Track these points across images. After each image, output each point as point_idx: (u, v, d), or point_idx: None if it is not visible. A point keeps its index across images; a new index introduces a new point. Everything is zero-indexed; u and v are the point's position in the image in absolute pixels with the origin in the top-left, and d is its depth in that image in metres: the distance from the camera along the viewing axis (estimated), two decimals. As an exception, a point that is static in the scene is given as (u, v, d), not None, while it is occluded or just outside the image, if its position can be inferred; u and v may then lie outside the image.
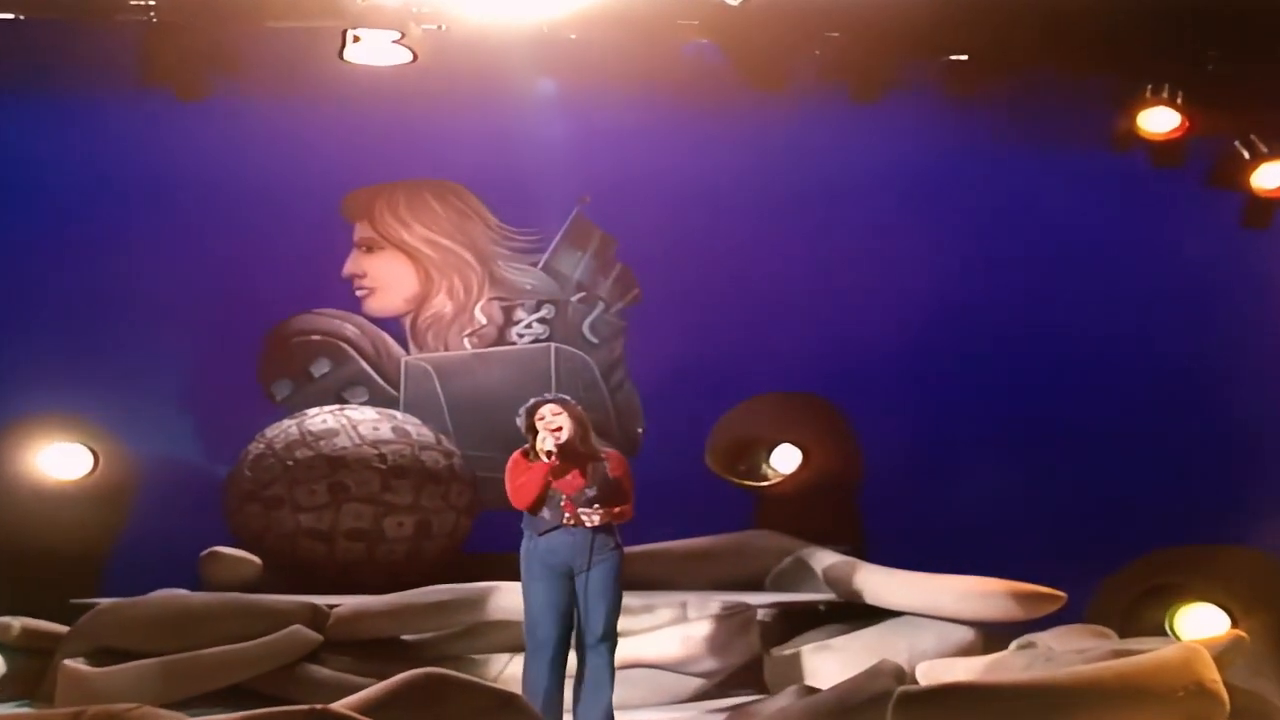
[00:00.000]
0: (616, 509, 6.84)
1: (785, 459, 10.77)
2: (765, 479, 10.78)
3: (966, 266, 10.63)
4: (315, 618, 8.21)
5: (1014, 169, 10.60)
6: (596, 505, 6.70)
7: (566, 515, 6.80)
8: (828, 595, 9.09)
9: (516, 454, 6.93)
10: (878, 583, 8.83)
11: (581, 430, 6.93)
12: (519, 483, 6.81)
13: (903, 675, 7.13)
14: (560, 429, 6.88)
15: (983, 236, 10.65)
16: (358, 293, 11.01)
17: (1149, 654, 7.02)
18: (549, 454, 6.79)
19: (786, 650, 8.51)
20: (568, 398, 7.03)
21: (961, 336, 10.56)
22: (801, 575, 9.59)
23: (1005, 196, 10.63)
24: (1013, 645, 8.28)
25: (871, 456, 10.72)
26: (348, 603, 8.35)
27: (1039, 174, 10.59)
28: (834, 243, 10.76)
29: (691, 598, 8.55)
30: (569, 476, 6.90)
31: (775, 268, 10.82)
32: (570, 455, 6.90)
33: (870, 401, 10.58)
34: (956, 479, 10.22)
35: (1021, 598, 8.45)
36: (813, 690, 7.17)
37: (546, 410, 6.95)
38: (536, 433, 6.93)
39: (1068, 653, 7.75)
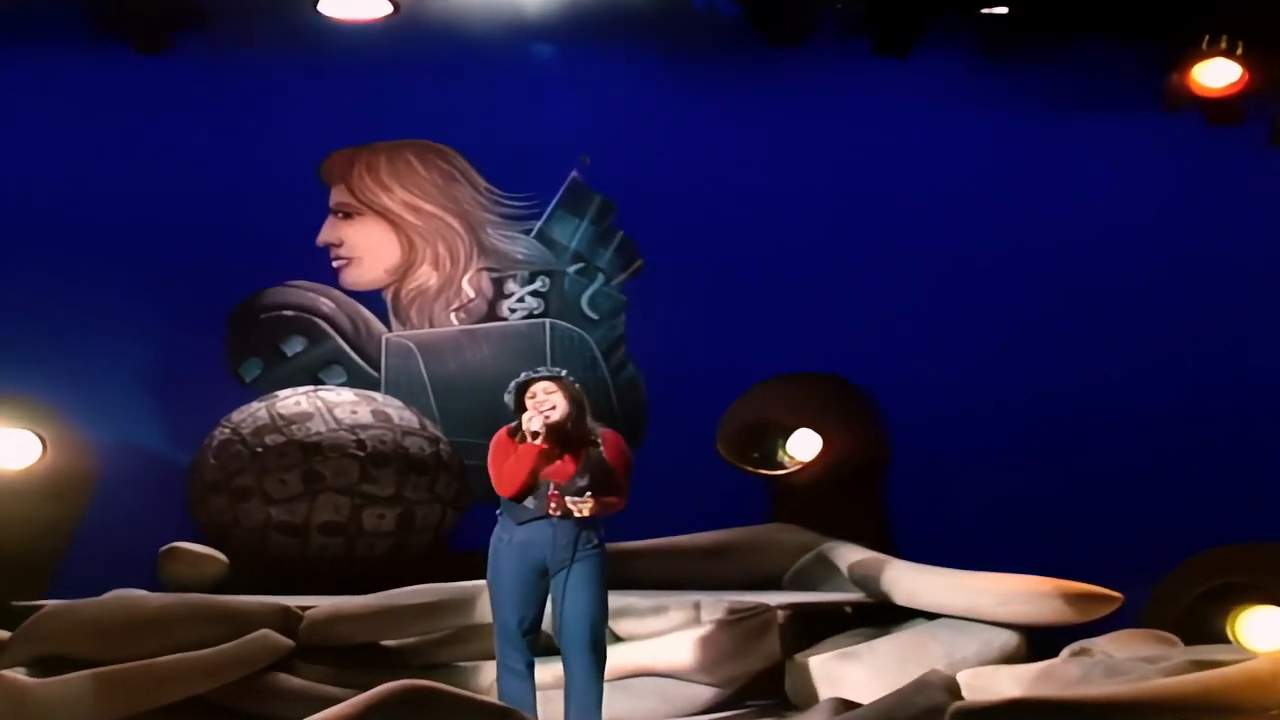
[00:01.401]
0: (610, 499, 6.61)
1: (804, 445, 10.61)
2: (782, 467, 10.64)
3: (1001, 237, 10.49)
4: (286, 621, 7.95)
5: (1053, 132, 10.50)
6: (588, 494, 6.45)
7: (552, 505, 6.52)
8: (854, 595, 8.86)
9: (501, 433, 6.65)
10: (910, 581, 8.54)
11: (577, 411, 6.64)
12: (505, 466, 6.52)
13: (955, 688, 6.84)
14: (554, 409, 6.59)
15: (1019, 205, 10.50)
16: (334, 263, 10.90)
17: (1236, 666, 6.69)
18: (534, 435, 6.48)
19: (810, 656, 8.25)
20: (563, 373, 6.74)
21: (996, 313, 10.44)
22: (823, 573, 9.38)
23: (1044, 162, 10.51)
24: (1065, 652, 8.05)
25: (898, 442, 10.56)
26: (322, 604, 8.10)
27: (1081, 137, 10.49)
28: (856, 211, 10.62)
29: (704, 598, 8.30)
30: (559, 463, 6.61)
31: (791, 237, 10.71)
32: (562, 439, 6.60)
33: (896, 382, 10.41)
34: (991, 468, 10.10)
35: (1073, 599, 8.16)
36: (849, 705, 6.86)
37: (539, 388, 6.65)
38: (525, 412, 6.67)
39: (1130, 661, 7.46)
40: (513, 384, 6.74)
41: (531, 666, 6.65)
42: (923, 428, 10.30)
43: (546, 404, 6.62)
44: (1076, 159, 10.47)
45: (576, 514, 6.37)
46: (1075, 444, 10.16)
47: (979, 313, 10.45)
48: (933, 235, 10.54)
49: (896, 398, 10.46)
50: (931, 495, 10.08)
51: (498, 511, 6.64)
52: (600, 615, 6.66)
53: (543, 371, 6.77)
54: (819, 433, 10.57)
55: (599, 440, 6.70)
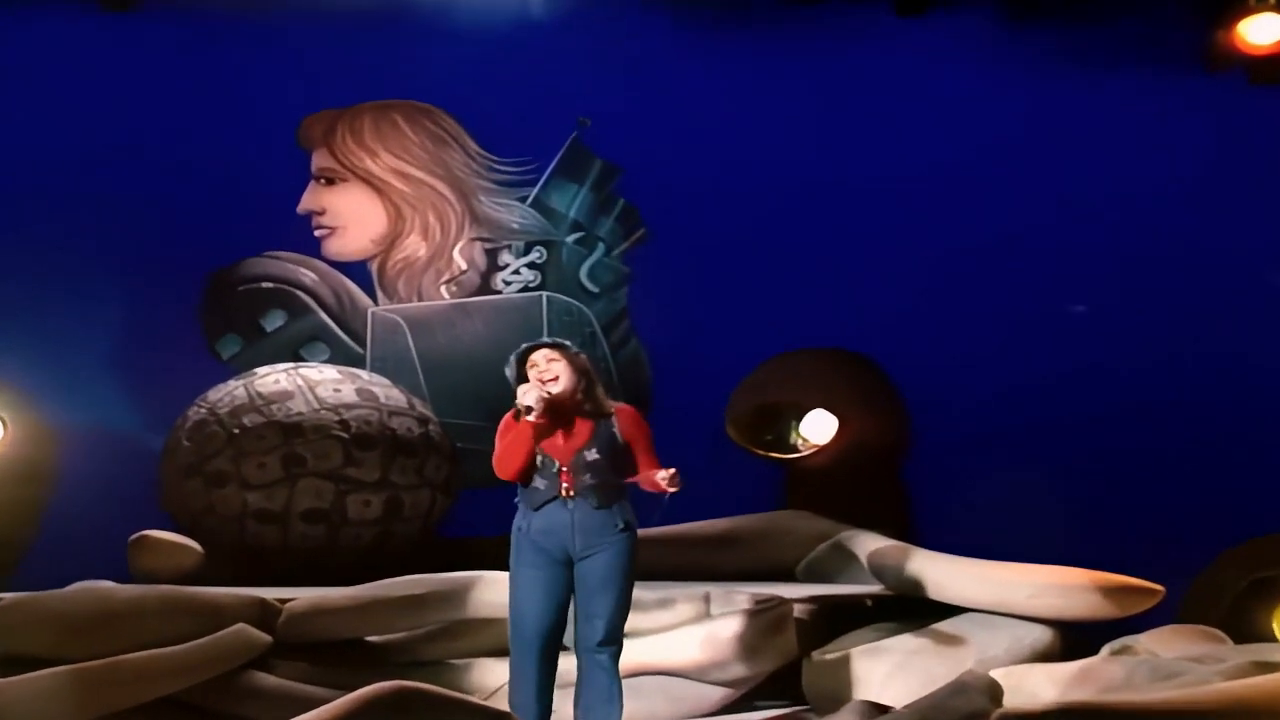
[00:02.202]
0: (660, 472, 6.40)
1: (819, 426, 10.55)
2: (795, 450, 10.61)
3: (1030, 206, 10.41)
4: (264, 615, 7.83)
5: (1085, 94, 10.45)
6: (671, 470, 6.31)
7: (564, 485, 6.33)
8: (874, 587, 8.72)
9: (510, 414, 6.45)
10: (936, 572, 8.39)
11: (584, 381, 6.45)
12: (501, 446, 6.36)
13: (997, 692, 6.63)
14: (555, 379, 6.39)
15: (1048, 173, 10.45)
16: (316, 233, 10.85)
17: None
18: (528, 409, 6.27)
19: (829, 654, 8.10)
20: (568, 343, 6.57)
21: (1025, 287, 10.38)
22: (841, 563, 9.28)
23: (1075, 127, 10.45)
24: (1105, 650, 7.92)
25: (919, 424, 10.50)
26: (303, 597, 7.98)
27: (1114, 99, 10.42)
28: (874, 176, 10.51)
29: (715, 590, 8.14)
30: (565, 438, 6.41)
31: (805, 206, 10.62)
32: (567, 411, 6.40)
33: (918, 360, 10.35)
34: (1019, 452, 9.99)
35: (1110, 591, 8.02)
36: (875, 707, 6.64)
37: (539, 356, 6.45)
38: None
39: (1179, 661, 7.26)
40: (513, 355, 6.55)
41: (551, 677, 6.47)
42: (945, 409, 10.22)
43: (549, 373, 6.42)
44: (1110, 123, 10.39)
45: (669, 490, 6.22)
46: (1108, 427, 10.07)
47: (1006, 286, 10.37)
48: (956, 204, 10.44)
49: (918, 377, 10.38)
50: (955, 481, 9.99)
51: (516, 500, 6.50)
52: (624, 609, 6.47)
53: (545, 340, 6.61)
54: (835, 413, 10.52)
55: (612, 414, 6.51)
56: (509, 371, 6.52)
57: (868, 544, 9.09)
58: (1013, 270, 10.37)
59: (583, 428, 6.42)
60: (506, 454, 6.33)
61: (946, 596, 8.37)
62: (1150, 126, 10.32)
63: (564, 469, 6.36)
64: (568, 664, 6.67)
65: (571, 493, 6.32)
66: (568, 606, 6.45)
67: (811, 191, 10.60)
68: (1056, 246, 10.38)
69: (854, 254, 10.55)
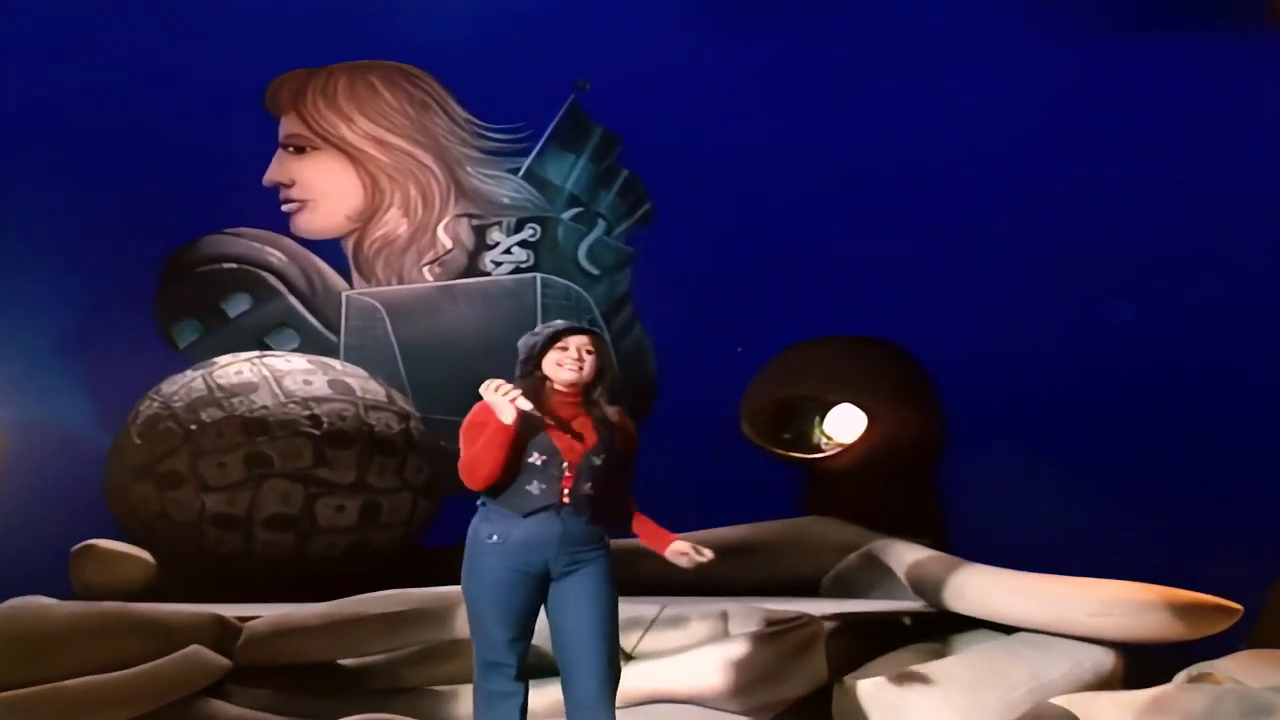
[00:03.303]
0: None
1: (845, 423, 10.56)
2: (819, 450, 10.62)
3: (1079, 180, 10.34)
4: (222, 635, 7.69)
5: (1140, 54, 10.36)
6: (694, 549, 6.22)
7: (565, 492, 6.04)
8: (913, 603, 8.66)
9: (478, 406, 6.13)
10: (982, 587, 8.28)
11: (602, 378, 6.27)
12: (477, 448, 6.02)
13: None
14: (584, 369, 6.17)
15: (1099, 144, 10.36)
16: (284, 207, 10.80)
17: None
18: (572, 385, 6.09)
19: (864, 679, 7.86)
20: (603, 332, 6.81)
21: (1072, 272, 10.32)
22: (872, 576, 9.20)
23: (1130, 92, 10.39)
24: (1180, 676, 7.73)
25: (956, 419, 10.38)
26: (267, 615, 7.87)
27: (1173, 60, 10.29)
28: (903, 151, 10.48)
29: (733, 606, 8.05)
30: (575, 437, 6.11)
31: (827, 180, 10.55)
32: (582, 406, 6.17)
33: (953, 348, 10.25)
34: (1069, 451, 9.94)
35: (1183, 610, 7.87)
36: None
37: (578, 343, 6.18)
38: (539, 369, 6.17)
39: (1269, 690, 7.04)
40: (543, 330, 6.23)
41: (526, 688, 6.23)
42: (985, 402, 10.12)
43: (578, 365, 6.18)
44: (1168, 86, 10.30)
45: (697, 561, 6.16)
46: (1167, 424, 10.02)
47: (1050, 271, 10.32)
48: (994, 180, 10.37)
49: (953, 367, 10.28)
50: (996, 483, 9.89)
51: (480, 502, 6.22)
52: (615, 629, 6.24)
53: (586, 325, 6.38)
54: (862, 408, 10.51)
55: (615, 423, 6.24)
56: (527, 345, 6.20)
57: (904, 554, 8.97)
58: (1059, 250, 10.30)
59: (588, 428, 6.16)
60: (482, 458, 6.03)
61: (995, 614, 8.25)
62: (1216, 89, 10.25)
63: (569, 472, 6.06)
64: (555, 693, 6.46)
65: (568, 500, 6.07)
66: (535, 623, 6.24)
67: (834, 163, 10.54)
68: (1109, 225, 10.31)
69: (882, 232, 10.47)
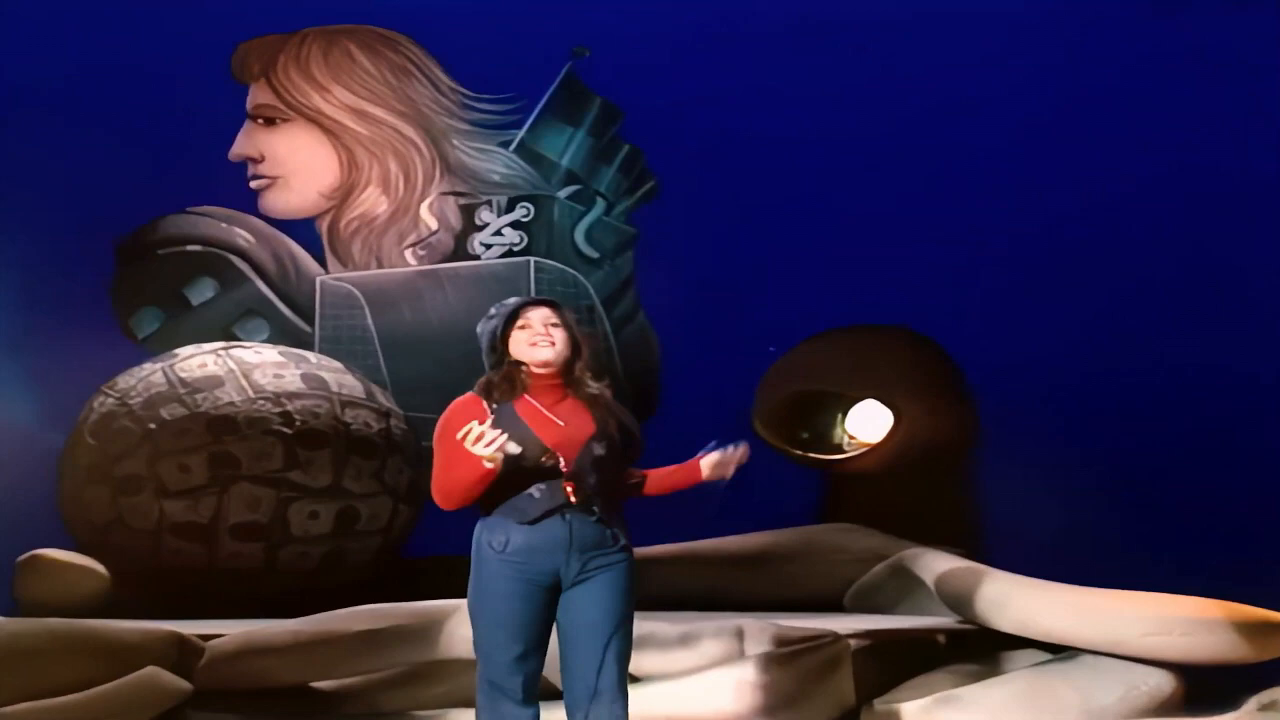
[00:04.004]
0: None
1: (869, 421, 10.49)
2: (840, 450, 10.56)
3: (1124, 159, 10.28)
4: (182, 655, 7.59)
5: (1178, 23, 10.31)
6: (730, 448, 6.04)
7: (570, 491, 5.86)
8: (947, 619, 8.61)
9: (466, 399, 5.98)
10: (1024, 601, 8.17)
11: (578, 353, 6.07)
12: (458, 474, 5.81)
13: None
14: (555, 343, 5.98)
15: (1149, 118, 10.29)
16: (253, 184, 10.86)
17: None
18: (548, 365, 5.92)
19: (894, 703, 7.84)
20: (566, 309, 6.17)
21: (1116, 259, 10.25)
22: (901, 589, 9.21)
23: (1162, 69, 10.31)
24: (1251, 703, 7.66)
25: (990, 417, 10.33)
26: (232, 633, 7.79)
27: (1239, 30, 10.25)
28: (929, 124, 10.49)
29: (749, 623, 7.93)
30: (567, 425, 5.92)
31: (848, 153, 10.53)
32: (566, 388, 5.99)
33: (986, 339, 10.19)
34: (1113, 454, 9.91)
35: (1250, 628, 7.77)
36: None
37: (538, 317, 5.99)
38: (508, 355, 5.99)
39: None
40: (497, 312, 6.07)
41: (536, 714, 6.07)
42: (1021, 399, 10.11)
43: (546, 338, 6.00)
44: (1207, 66, 10.23)
45: (732, 469, 5.99)
46: (1223, 424, 9.93)
47: (1092, 258, 10.29)
48: (1034, 156, 10.39)
49: (987, 360, 10.22)
50: (1035, 486, 9.88)
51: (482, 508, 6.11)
52: (629, 646, 6.05)
53: (538, 297, 6.41)
54: (889, 405, 10.45)
55: (606, 400, 6.08)
56: (486, 330, 6.06)
57: (936, 565, 8.94)
58: (1104, 233, 10.27)
59: (580, 413, 5.98)
60: (456, 491, 5.86)
61: (1040, 632, 8.14)
62: (1256, 69, 10.23)
63: (567, 468, 5.88)
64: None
65: (575, 499, 5.88)
66: (549, 639, 6.08)
67: (856, 137, 10.55)
68: (1158, 213, 10.25)
69: (908, 213, 10.46)
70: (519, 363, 5.95)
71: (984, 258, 10.34)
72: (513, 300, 6.14)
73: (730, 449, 6.04)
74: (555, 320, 6.01)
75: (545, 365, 5.91)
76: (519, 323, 6.01)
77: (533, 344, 5.94)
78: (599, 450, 5.89)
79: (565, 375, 5.99)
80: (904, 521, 9.77)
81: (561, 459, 5.86)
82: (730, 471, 6.07)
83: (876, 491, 10.32)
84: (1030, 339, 10.20)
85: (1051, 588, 8.27)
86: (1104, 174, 10.32)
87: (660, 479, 6.13)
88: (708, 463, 6.05)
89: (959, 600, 8.54)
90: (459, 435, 5.65)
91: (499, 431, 5.65)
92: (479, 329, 6.10)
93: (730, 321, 10.47)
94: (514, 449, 5.73)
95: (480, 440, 5.63)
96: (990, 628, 8.33)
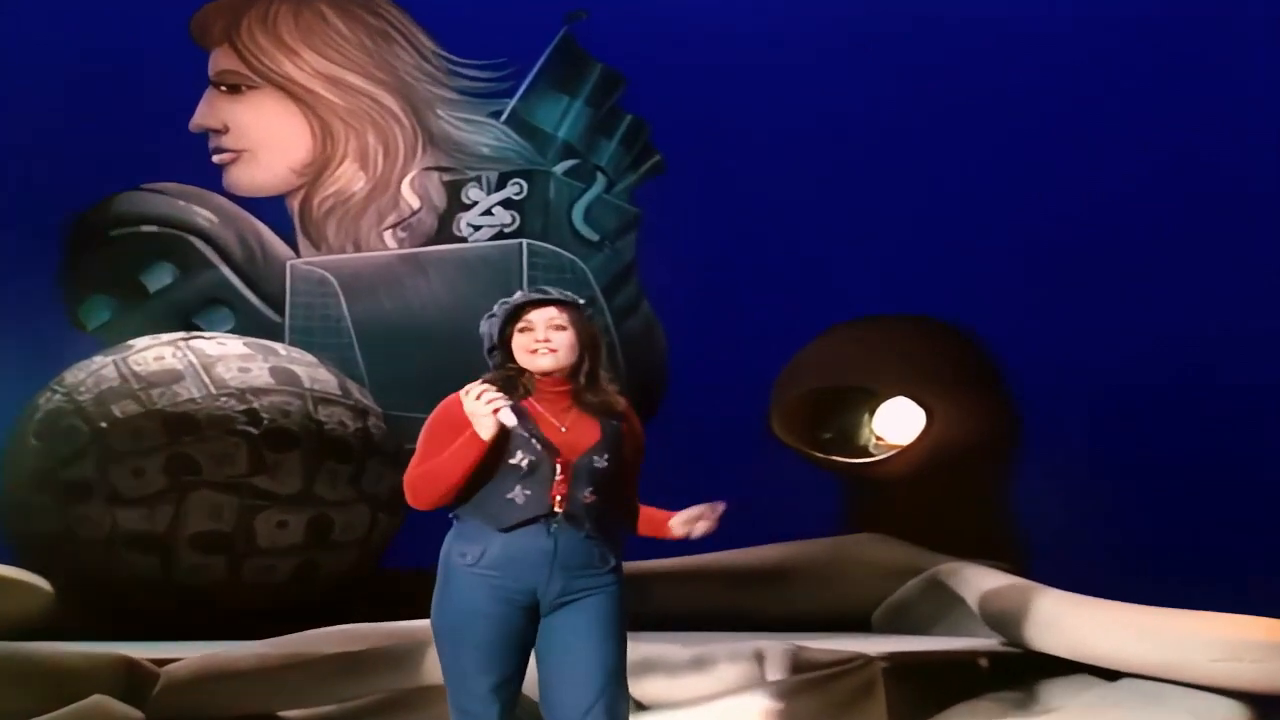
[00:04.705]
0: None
1: (898, 421, 10.54)
2: (867, 453, 10.61)
3: (1179, 125, 10.26)
4: (133, 681, 7.52)
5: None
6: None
7: (558, 499, 5.73)
8: (990, 642, 8.48)
9: (447, 401, 5.84)
10: (1080, 623, 8.05)
11: (590, 356, 5.88)
12: (443, 460, 5.73)
13: None
14: (556, 350, 5.81)
15: (1206, 80, 10.30)
16: (215, 158, 10.84)
17: None
18: (549, 374, 5.75)
19: None
20: (581, 301, 6.00)
21: (1167, 242, 10.23)
22: (937, 607, 9.19)
23: (1208, 35, 10.36)
24: None
25: (1032, 416, 10.35)
26: (190, 656, 7.74)
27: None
28: (959, 92, 10.48)
29: (769, 645, 7.84)
30: (574, 430, 5.78)
31: (874, 127, 10.52)
32: (574, 395, 5.83)
33: (1028, 331, 10.23)
34: (1170, 457, 9.90)
35: None
36: None
37: (540, 318, 5.80)
38: (512, 358, 5.86)
39: None
40: (499, 309, 5.94)
41: None
42: (1065, 397, 10.14)
43: (550, 341, 5.84)
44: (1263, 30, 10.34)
45: (701, 529, 5.70)
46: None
47: (1140, 240, 10.28)
48: (1078, 126, 10.41)
49: (1026, 355, 10.26)
50: (1081, 494, 9.91)
51: (451, 514, 5.96)
52: (622, 676, 5.93)
53: (549, 292, 6.01)
54: (920, 404, 10.48)
55: (622, 414, 5.97)
56: (487, 329, 5.94)
57: (976, 581, 8.90)
58: (1147, 221, 10.28)
59: (586, 422, 5.87)
60: (440, 475, 5.79)
61: (1095, 656, 8.02)
62: None
63: (562, 475, 5.74)
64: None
65: (562, 508, 5.76)
66: (526, 666, 5.96)
67: (882, 109, 10.55)
68: (1211, 192, 10.24)
69: (941, 194, 10.48)
70: (521, 367, 5.85)
71: (1024, 241, 10.37)
72: (516, 296, 5.98)
73: (706, 508, 5.89)
74: (561, 321, 5.82)
75: (546, 374, 5.80)
76: (520, 324, 5.88)
77: (532, 351, 5.80)
78: (600, 463, 5.76)
79: (573, 380, 5.86)
80: (938, 532, 9.78)
81: (558, 467, 5.72)
82: (699, 530, 5.88)
83: (907, 499, 10.35)
84: (1075, 328, 10.25)
85: (1109, 607, 8.19)
86: (1159, 145, 10.30)
87: (647, 520, 6.01)
88: (678, 521, 5.88)
89: (1004, 620, 8.47)
90: (463, 391, 5.60)
91: (500, 395, 5.59)
92: (481, 328, 5.95)
93: (743, 312, 10.47)
94: (510, 419, 5.60)
95: (482, 396, 5.57)
96: (1039, 651, 8.23)
